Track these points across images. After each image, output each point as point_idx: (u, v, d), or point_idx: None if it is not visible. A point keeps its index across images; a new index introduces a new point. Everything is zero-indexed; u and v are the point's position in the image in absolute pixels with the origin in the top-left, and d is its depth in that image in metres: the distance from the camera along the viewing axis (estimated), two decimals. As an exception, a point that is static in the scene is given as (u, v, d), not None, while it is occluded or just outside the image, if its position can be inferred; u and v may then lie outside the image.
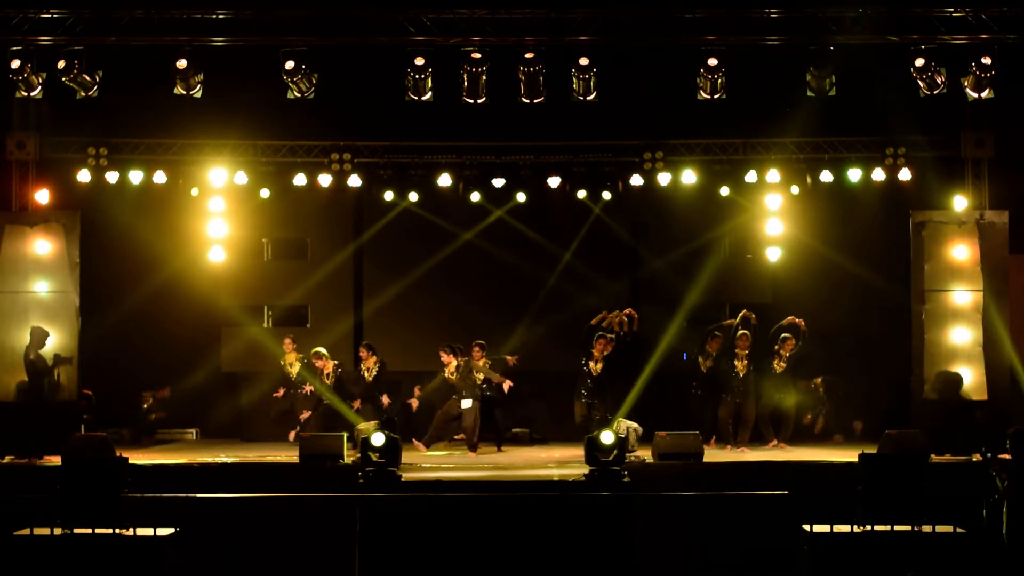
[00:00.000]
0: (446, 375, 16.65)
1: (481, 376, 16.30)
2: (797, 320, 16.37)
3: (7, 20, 14.16)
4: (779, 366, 16.38)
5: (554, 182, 17.38)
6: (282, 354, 16.98)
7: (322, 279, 18.46)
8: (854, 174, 16.92)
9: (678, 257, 18.36)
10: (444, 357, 16.61)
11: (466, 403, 16.22)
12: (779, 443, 16.35)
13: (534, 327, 18.31)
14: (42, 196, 16.30)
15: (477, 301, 18.26)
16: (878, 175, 16.82)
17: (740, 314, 16.46)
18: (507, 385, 16.19)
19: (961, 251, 15.79)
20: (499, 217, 18.25)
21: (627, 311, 16.27)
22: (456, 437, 16.80)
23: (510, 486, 12.94)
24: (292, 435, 16.39)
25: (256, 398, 17.95)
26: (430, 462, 14.97)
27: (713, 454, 14.96)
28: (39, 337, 15.46)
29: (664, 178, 17.06)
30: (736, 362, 16.31)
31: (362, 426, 15.36)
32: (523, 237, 18.39)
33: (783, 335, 16.39)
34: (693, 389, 16.83)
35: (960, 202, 16.20)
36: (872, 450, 12.92)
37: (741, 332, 16.28)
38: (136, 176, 16.88)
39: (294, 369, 16.84)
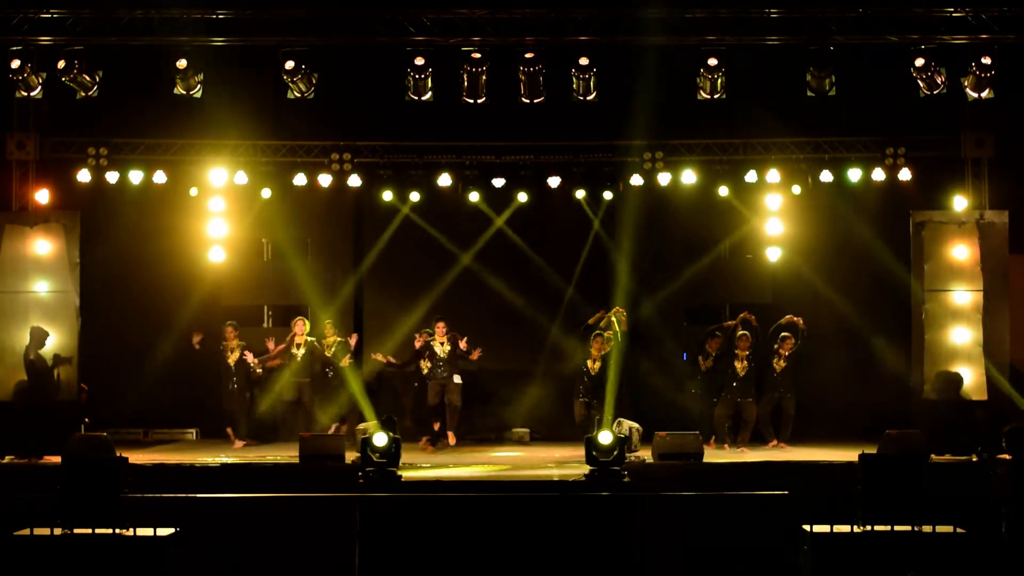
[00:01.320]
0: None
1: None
2: (796, 319, 16.38)
3: (7, 20, 14.17)
4: (779, 365, 16.38)
5: (554, 182, 17.38)
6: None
7: (322, 279, 18.46)
8: (854, 174, 16.91)
9: (678, 257, 18.36)
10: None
11: (457, 378, 16.31)
12: (779, 443, 16.34)
13: (536, 328, 18.30)
14: (42, 196, 16.30)
15: (478, 301, 18.24)
16: (878, 175, 16.81)
17: (740, 316, 16.47)
18: (476, 353, 16.38)
19: (961, 251, 15.78)
20: (499, 218, 18.23)
21: (616, 309, 16.27)
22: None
23: (510, 486, 12.94)
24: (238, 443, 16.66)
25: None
26: (430, 462, 14.98)
27: (713, 454, 14.96)
28: (39, 337, 15.46)
29: (664, 178, 17.06)
30: (736, 363, 16.32)
31: (361, 426, 15.35)
32: (523, 237, 18.38)
33: (782, 334, 16.39)
34: (693, 389, 16.85)
35: (960, 202, 16.20)
36: (872, 450, 12.92)
37: (741, 332, 16.28)
38: (136, 176, 16.87)
39: (234, 356, 16.87)
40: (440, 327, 16.54)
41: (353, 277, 18.64)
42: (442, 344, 16.50)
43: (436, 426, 16.55)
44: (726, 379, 16.33)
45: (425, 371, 16.57)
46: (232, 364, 16.82)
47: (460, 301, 18.11)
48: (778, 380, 16.40)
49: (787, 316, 16.48)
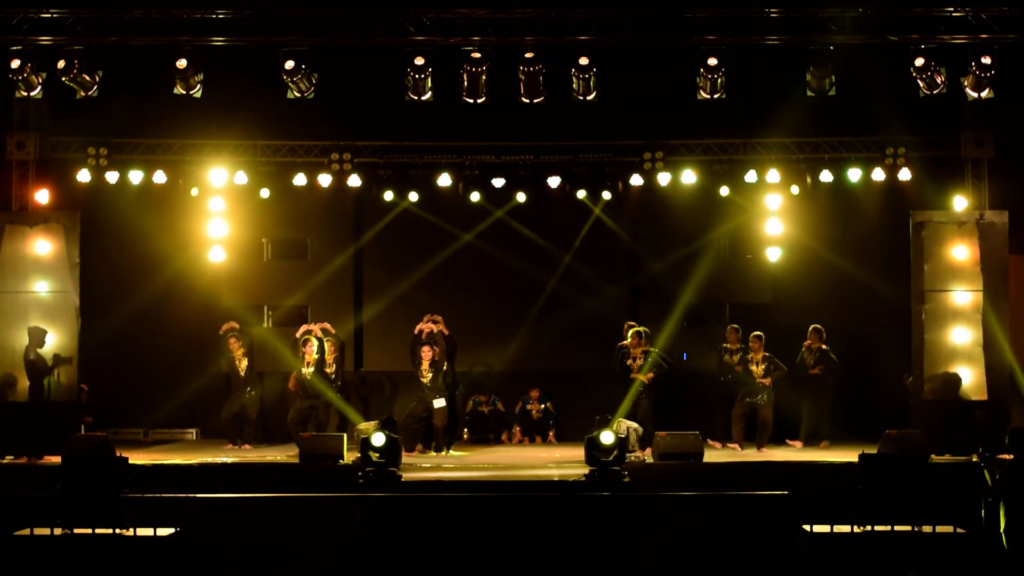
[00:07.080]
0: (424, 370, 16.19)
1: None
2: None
3: (7, 20, 14.15)
4: (813, 369, 16.46)
5: (554, 182, 17.39)
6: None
7: (322, 279, 18.47)
8: (854, 174, 16.93)
9: (678, 257, 18.36)
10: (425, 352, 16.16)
11: (439, 402, 15.99)
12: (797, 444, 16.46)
13: (535, 327, 18.32)
14: (42, 196, 16.31)
15: (477, 301, 18.26)
16: (878, 175, 16.83)
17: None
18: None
19: (961, 251, 15.78)
20: (499, 218, 18.24)
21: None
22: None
23: (510, 486, 12.94)
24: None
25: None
26: (430, 462, 14.98)
27: (713, 454, 14.95)
28: (38, 336, 15.44)
29: (664, 178, 17.07)
30: (752, 366, 16.33)
31: (362, 426, 15.35)
32: (524, 237, 18.39)
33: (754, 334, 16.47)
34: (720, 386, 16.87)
35: (960, 202, 16.21)
36: (872, 450, 12.92)
37: (755, 333, 16.33)
38: (136, 176, 16.88)
39: (243, 365, 16.73)
40: (426, 352, 16.10)
41: (353, 277, 18.66)
42: (427, 371, 16.13)
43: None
44: (743, 381, 16.35)
45: (424, 378, 16.20)
46: (243, 374, 16.68)
47: (460, 301, 18.12)
48: (813, 382, 16.48)
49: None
